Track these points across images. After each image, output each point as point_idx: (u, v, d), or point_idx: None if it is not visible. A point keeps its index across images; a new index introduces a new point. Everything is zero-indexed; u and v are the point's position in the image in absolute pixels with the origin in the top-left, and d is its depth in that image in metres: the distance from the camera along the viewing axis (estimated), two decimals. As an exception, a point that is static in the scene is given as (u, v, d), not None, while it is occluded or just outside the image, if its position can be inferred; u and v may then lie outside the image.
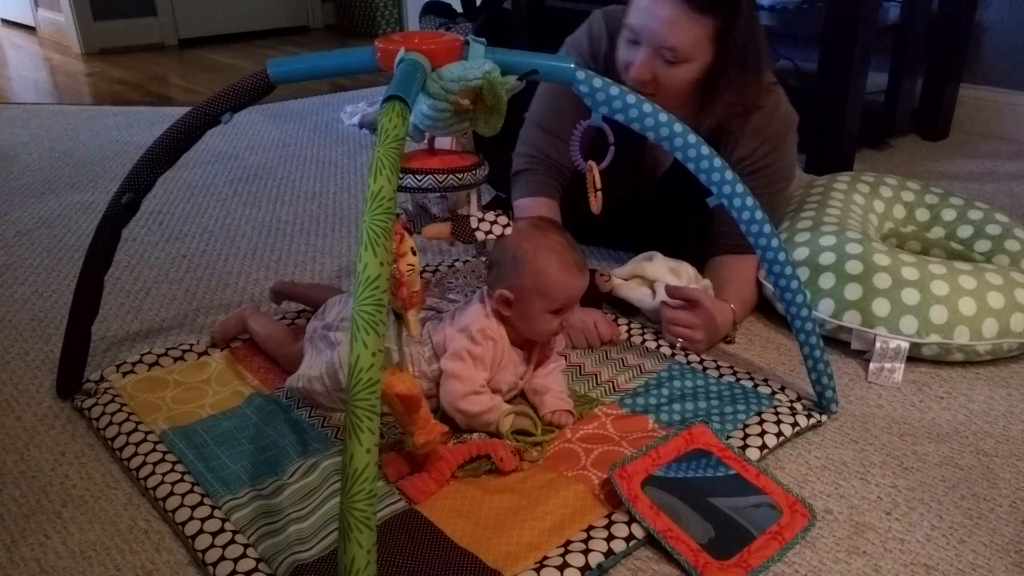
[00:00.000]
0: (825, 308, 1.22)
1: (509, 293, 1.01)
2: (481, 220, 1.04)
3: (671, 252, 1.35)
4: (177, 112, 1.99)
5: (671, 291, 1.23)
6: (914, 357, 1.18)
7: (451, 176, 0.96)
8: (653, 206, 1.42)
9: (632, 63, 1.20)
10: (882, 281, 1.19)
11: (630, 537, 0.84)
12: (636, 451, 0.94)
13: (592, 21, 1.35)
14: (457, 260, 1.52)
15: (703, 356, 1.20)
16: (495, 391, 1.04)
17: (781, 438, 1.01)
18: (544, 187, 1.37)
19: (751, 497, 0.90)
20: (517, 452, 0.96)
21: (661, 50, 1.17)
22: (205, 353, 1.19)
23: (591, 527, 0.85)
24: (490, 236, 1.08)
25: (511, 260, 1.02)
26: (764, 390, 1.11)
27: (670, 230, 1.41)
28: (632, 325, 1.29)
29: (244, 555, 0.81)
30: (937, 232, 1.45)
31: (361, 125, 2.41)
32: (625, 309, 1.33)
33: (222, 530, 0.84)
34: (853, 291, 1.20)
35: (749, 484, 0.92)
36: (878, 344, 1.17)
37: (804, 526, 0.88)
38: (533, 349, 1.08)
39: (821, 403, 1.08)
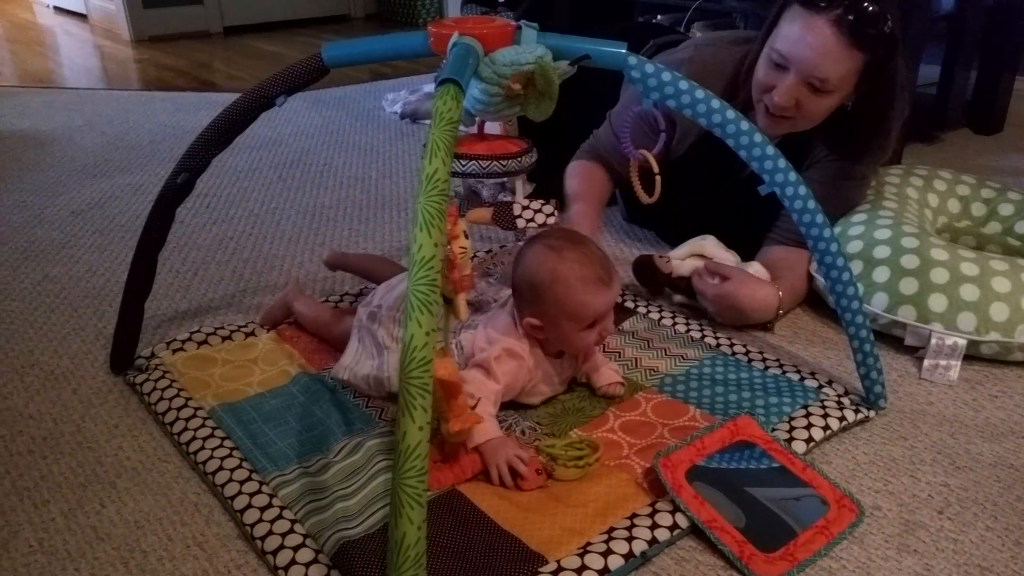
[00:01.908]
0: (879, 302, 1.20)
1: (536, 321, 0.97)
2: (525, 208, 1.04)
3: (753, 247, 1.36)
4: (221, 98, 1.98)
5: (708, 266, 1.24)
6: (971, 355, 1.15)
7: (495, 162, 0.96)
8: (743, 201, 1.40)
9: (775, 87, 1.19)
10: (939, 276, 1.16)
11: (674, 526, 0.84)
12: (681, 441, 0.93)
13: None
14: (503, 246, 1.52)
15: (748, 347, 1.18)
16: (533, 396, 1.03)
17: (828, 432, 0.99)
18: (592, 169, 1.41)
19: (794, 489, 0.89)
20: (544, 470, 0.91)
21: (810, 78, 1.16)
22: (252, 333, 1.21)
23: (634, 515, 0.85)
24: (531, 224, 1.08)
25: (529, 289, 0.97)
26: (811, 383, 1.09)
27: (757, 228, 1.39)
28: (676, 314, 1.28)
29: (291, 530, 0.83)
30: (993, 227, 1.42)
31: (403, 116, 2.42)
32: (689, 292, 1.31)
33: (270, 505, 0.86)
34: (909, 286, 1.18)
35: (795, 477, 0.91)
36: (934, 340, 1.14)
37: (852, 521, 0.87)
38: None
39: (869, 398, 1.06)
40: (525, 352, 0.98)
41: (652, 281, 1.32)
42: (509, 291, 1.05)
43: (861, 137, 1.26)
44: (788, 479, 0.91)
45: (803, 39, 1.14)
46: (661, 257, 1.31)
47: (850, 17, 1.11)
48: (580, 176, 1.42)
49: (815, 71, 1.15)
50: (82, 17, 4.12)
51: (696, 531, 0.85)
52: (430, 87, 2.53)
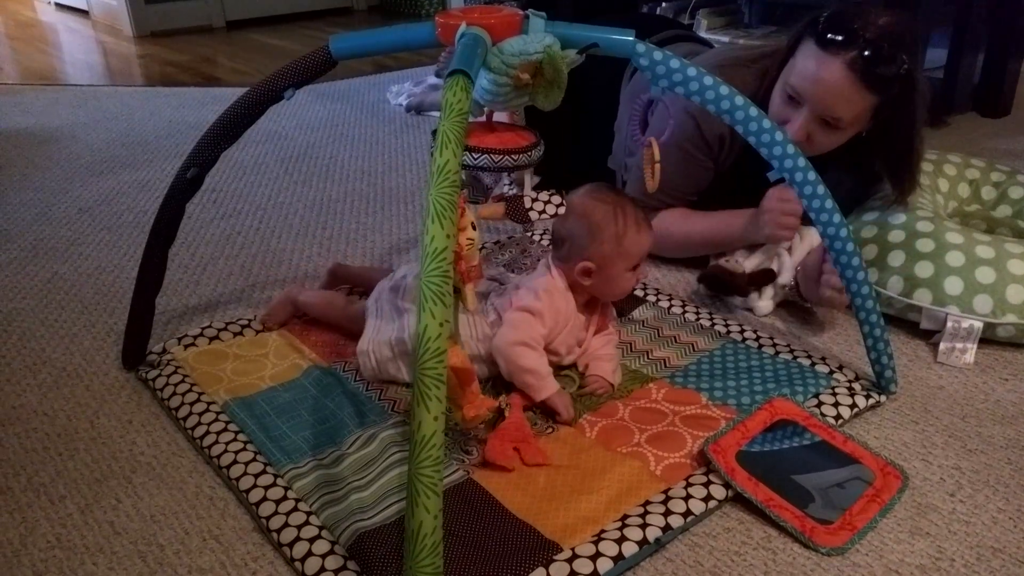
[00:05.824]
0: (894, 286, 1.20)
1: (591, 263, 1.02)
2: (535, 200, 1.04)
3: None
4: (225, 92, 1.97)
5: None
6: (985, 339, 1.15)
7: (507, 157, 0.96)
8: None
9: (789, 121, 1.19)
10: (955, 259, 1.16)
11: (687, 513, 0.84)
12: (725, 425, 0.95)
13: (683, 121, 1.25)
14: (510, 237, 1.52)
15: (759, 333, 1.18)
16: (554, 352, 1.05)
17: (840, 420, 1.00)
18: None
19: (839, 471, 0.90)
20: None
21: (824, 115, 1.16)
22: (263, 328, 1.21)
23: (648, 502, 0.85)
24: (543, 216, 1.08)
25: (588, 231, 1.02)
26: (822, 369, 1.09)
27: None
28: (686, 303, 1.28)
29: (307, 522, 0.83)
30: (1004, 211, 1.41)
31: (408, 108, 2.41)
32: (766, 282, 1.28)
33: (285, 498, 0.86)
34: (924, 269, 1.17)
35: (838, 451, 0.93)
36: (950, 323, 1.14)
37: (899, 487, 0.89)
38: (592, 316, 1.09)
39: (880, 383, 1.06)
40: (561, 293, 1.04)
41: (729, 286, 1.28)
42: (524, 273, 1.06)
43: (873, 165, 1.26)
44: (831, 456, 0.92)
45: (818, 78, 1.14)
46: (726, 261, 1.29)
47: (865, 58, 1.10)
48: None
49: (829, 110, 1.15)
50: (84, 13, 4.11)
51: (709, 517, 0.85)
52: (434, 78, 2.52)
